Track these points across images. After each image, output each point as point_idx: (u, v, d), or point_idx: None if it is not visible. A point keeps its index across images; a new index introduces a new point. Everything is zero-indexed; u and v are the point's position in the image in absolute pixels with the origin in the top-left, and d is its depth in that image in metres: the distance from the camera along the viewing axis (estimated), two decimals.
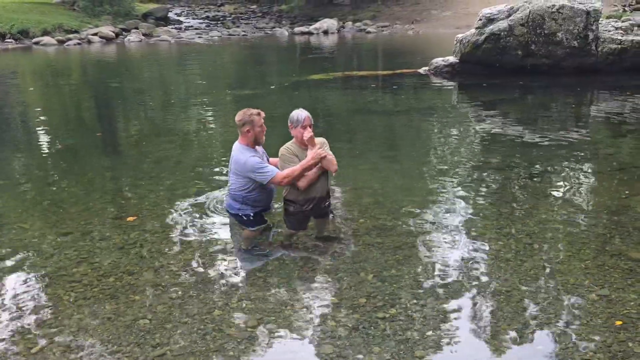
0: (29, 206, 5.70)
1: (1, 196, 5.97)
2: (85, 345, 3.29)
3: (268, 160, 5.12)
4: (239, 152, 4.92)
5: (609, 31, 13.12)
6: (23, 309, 3.71)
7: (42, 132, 9.50)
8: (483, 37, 13.05)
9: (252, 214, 4.99)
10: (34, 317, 3.61)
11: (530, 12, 12.74)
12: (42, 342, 3.34)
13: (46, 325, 3.51)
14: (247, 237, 4.76)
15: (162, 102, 12.74)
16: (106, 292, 3.88)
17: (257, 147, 5.01)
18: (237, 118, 4.92)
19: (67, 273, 4.15)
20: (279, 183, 4.92)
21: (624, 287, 3.79)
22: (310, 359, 3.19)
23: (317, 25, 35.59)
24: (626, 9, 29.07)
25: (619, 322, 3.38)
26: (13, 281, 4.06)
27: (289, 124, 4.98)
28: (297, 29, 36.23)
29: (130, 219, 5.13)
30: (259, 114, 4.90)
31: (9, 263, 4.34)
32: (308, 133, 4.84)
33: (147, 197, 5.69)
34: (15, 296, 3.86)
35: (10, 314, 3.64)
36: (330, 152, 4.97)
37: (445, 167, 6.57)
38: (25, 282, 4.06)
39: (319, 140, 5.00)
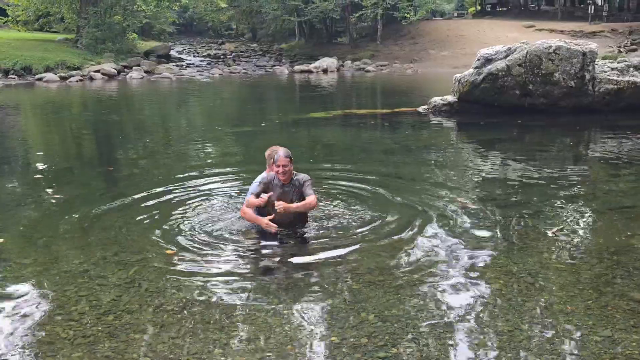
0: (30, 242, 5.68)
1: (2, 231, 5.95)
2: None
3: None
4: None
5: (605, 72, 13.34)
6: (20, 347, 3.67)
7: (46, 166, 9.51)
8: (481, 76, 13.24)
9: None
10: (31, 356, 3.57)
11: (527, 52, 12.96)
12: None
13: None
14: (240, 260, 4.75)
15: (163, 139, 12.83)
16: (105, 330, 3.85)
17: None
18: (266, 153, 5.81)
19: (66, 311, 4.12)
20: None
21: (626, 328, 3.77)
22: None
23: (316, 63, 36.17)
24: (622, 50, 29.53)
25: None
26: (10, 318, 4.03)
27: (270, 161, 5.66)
28: (297, 67, 36.78)
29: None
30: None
31: (7, 299, 4.31)
32: (280, 205, 5.29)
33: (149, 234, 5.68)
34: (12, 334, 3.82)
35: (7, 352, 3.60)
36: (302, 202, 5.43)
37: (445, 205, 6.59)
38: (22, 319, 4.02)
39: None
